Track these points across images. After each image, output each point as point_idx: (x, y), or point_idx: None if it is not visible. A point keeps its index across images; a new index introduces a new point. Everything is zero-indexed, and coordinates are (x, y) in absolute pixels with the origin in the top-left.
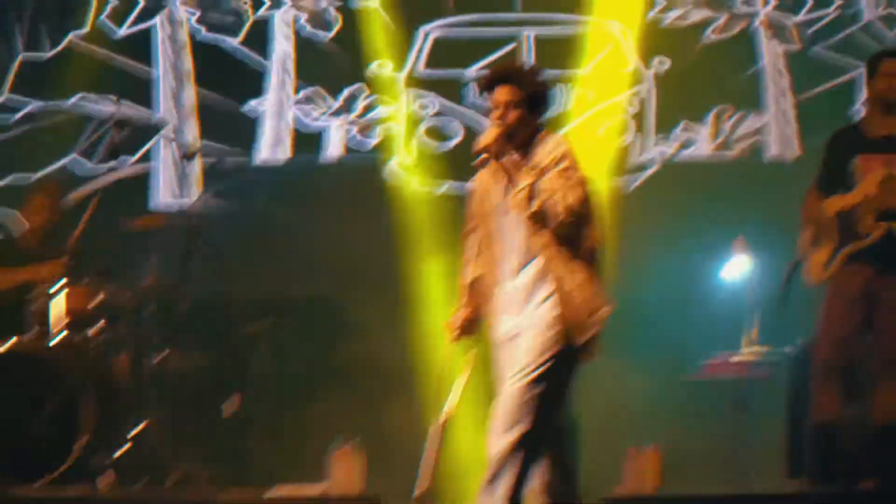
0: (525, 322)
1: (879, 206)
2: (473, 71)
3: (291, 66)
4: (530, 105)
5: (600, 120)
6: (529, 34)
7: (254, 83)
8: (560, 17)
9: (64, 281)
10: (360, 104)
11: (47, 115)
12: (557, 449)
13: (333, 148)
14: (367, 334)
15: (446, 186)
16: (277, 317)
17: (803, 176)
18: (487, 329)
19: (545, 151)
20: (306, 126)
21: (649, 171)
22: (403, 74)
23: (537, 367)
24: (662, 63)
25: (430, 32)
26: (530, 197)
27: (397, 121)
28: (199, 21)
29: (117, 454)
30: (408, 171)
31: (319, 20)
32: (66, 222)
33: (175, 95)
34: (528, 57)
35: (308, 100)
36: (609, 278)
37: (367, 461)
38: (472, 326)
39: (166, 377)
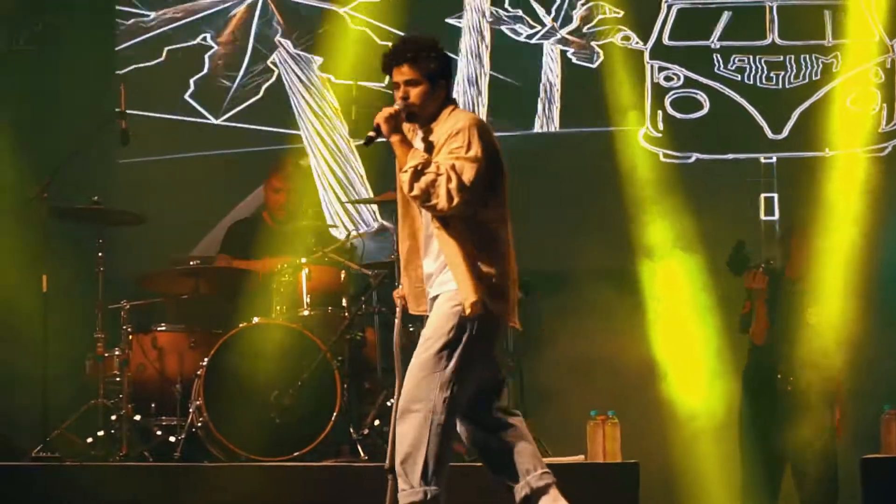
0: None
1: None
2: (719, 41)
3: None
4: (431, 80)
5: (847, 90)
6: (773, 4)
7: None
8: None
9: (307, 260)
10: (577, 14)
11: None
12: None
13: (549, 72)
14: (611, 309)
15: (693, 158)
16: (523, 289)
17: None
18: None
19: (443, 130)
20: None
21: None
22: (648, 47)
23: (438, 341)
24: None
25: (674, 4)
26: (413, 179)
27: (620, 35)
28: None
29: (368, 429)
30: (654, 143)
31: None
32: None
33: None
34: (772, 26)
35: (514, 18)
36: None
37: (623, 431)
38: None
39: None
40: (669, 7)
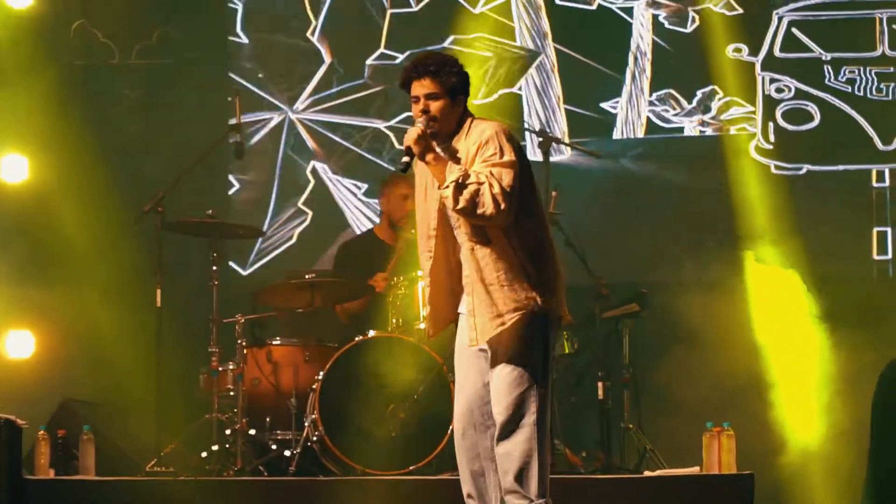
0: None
1: None
2: (829, 53)
3: (648, 66)
4: (452, 95)
5: None
6: (883, 15)
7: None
8: None
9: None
10: (715, 106)
11: None
12: None
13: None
14: (721, 320)
15: (804, 169)
16: (639, 301)
17: None
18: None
19: (470, 141)
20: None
21: None
22: (760, 59)
23: (522, 357)
24: None
25: (783, 16)
26: (456, 193)
27: (752, 123)
28: None
29: None
30: (765, 154)
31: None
32: None
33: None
34: (882, 38)
35: (661, 101)
36: None
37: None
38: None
39: None
40: (780, 19)
